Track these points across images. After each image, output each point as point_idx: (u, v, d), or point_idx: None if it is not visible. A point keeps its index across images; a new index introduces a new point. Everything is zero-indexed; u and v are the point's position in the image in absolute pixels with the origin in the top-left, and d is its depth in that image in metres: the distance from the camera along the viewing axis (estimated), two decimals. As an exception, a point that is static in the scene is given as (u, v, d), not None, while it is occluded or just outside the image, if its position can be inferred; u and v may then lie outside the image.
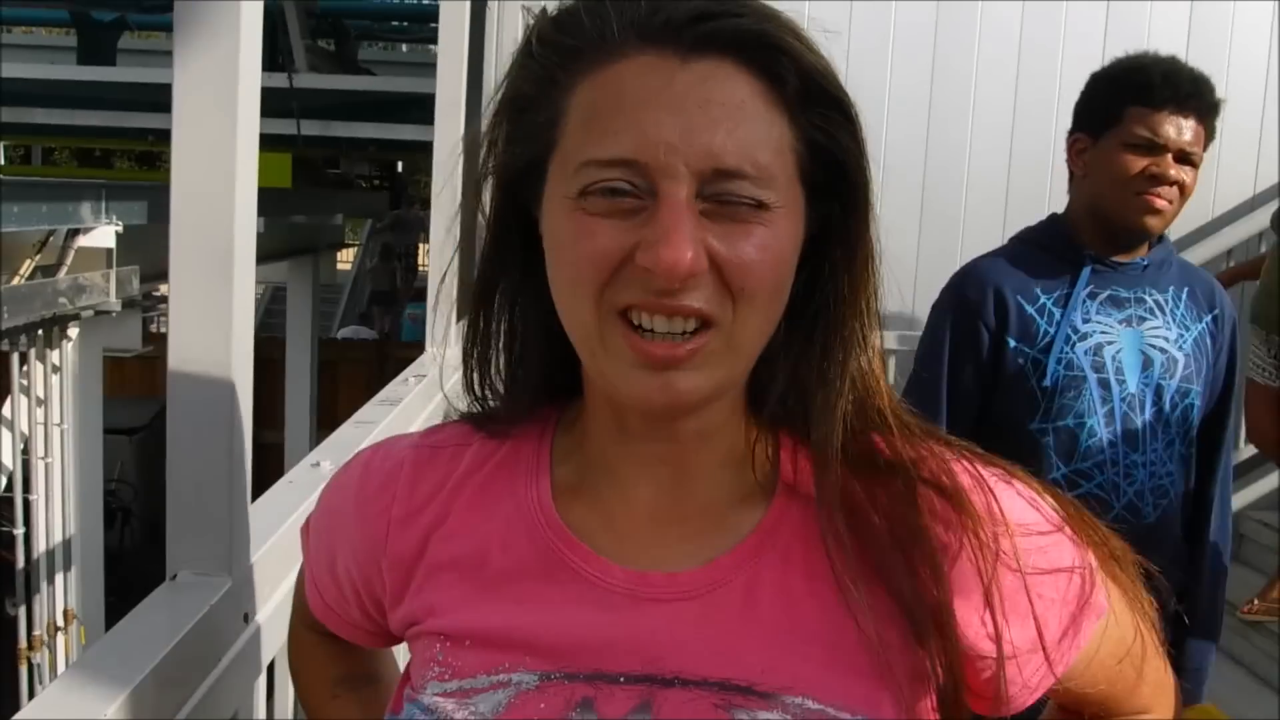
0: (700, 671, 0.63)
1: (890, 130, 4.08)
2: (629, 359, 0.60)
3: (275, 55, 8.60)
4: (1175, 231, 4.14)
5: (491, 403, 0.74)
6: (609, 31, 0.60)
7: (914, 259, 3.94)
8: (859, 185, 0.64)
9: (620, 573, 0.65)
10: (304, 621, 0.89)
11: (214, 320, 0.97)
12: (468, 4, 2.49)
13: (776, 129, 0.60)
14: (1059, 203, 4.34)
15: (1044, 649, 0.66)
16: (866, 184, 0.64)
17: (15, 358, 4.40)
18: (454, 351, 2.44)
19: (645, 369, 0.60)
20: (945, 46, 4.13)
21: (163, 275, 4.52)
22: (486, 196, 0.69)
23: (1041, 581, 0.65)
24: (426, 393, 2.03)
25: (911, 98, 4.15)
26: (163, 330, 7.10)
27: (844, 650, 0.63)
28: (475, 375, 0.73)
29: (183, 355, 0.97)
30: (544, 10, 0.66)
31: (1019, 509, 0.67)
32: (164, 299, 5.59)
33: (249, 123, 0.94)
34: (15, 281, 4.16)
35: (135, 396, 7.50)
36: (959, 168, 4.17)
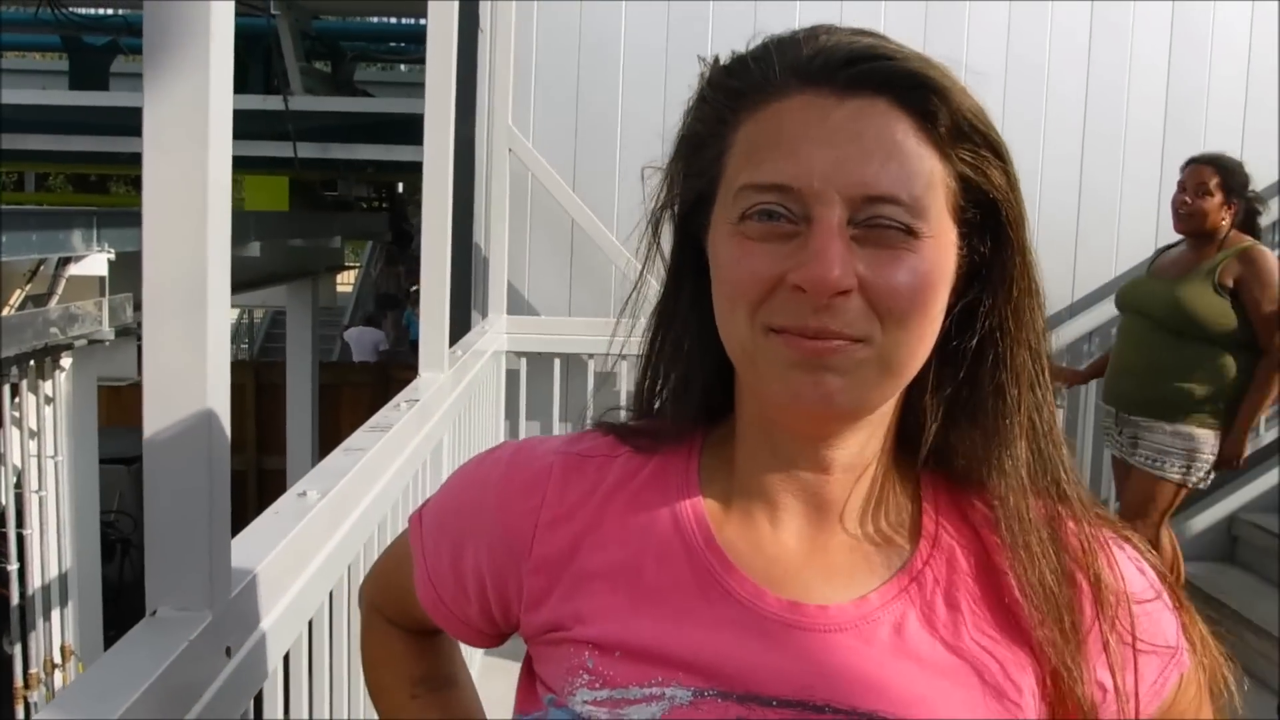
0: (850, 701, 0.65)
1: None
2: (783, 358, 0.63)
3: (270, 78, 8.65)
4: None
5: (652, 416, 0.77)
6: (771, 74, 0.65)
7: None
8: (1011, 221, 0.67)
9: (774, 600, 0.67)
10: (386, 615, 0.89)
11: (189, 350, 0.94)
12: (455, 25, 2.48)
13: (928, 164, 0.63)
14: (1049, 215, 4.31)
15: (1136, 698, 0.70)
16: (1020, 220, 0.67)
17: (6, 389, 4.37)
18: (448, 376, 2.41)
19: (799, 368, 0.62)
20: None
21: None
22: (664, 233, 0.74)
23: (1145, 643, 0.70)
24: (420, 418, 1.99)
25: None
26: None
27: (986, 691, 0.66)
28: (647, 393, 0.76)
29: (157, 386, 0.94)
30: (716, 58, 0.70)
31: (1131, 574, 0.71)
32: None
33: (220, 151, 0.92)
34: (5, 312, 4.14)
35: (132, 425, 7.47)
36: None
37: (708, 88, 0.69)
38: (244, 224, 7.19)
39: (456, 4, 2.52)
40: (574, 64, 4.07)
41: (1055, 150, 4.09)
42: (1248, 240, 3.13)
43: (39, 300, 4.40)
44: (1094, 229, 4.13)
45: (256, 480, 10.56)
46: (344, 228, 10.76)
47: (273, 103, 8.14)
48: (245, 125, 8.51)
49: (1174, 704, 0.73)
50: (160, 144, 0.90)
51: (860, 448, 0.68)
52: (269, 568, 1.12)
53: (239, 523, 1.05)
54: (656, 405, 0.76)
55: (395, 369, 10.26)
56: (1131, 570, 0.71)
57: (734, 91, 0.67)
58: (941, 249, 0.64)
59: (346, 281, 15.42)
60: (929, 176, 0.63)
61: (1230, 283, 3.03)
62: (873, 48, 0.64)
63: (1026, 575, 0.67)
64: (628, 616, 0.68)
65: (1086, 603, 0.68)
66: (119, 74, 9.55)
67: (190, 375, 0.94)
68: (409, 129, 7.22)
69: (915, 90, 0.63)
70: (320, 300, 9.72)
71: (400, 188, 13.25)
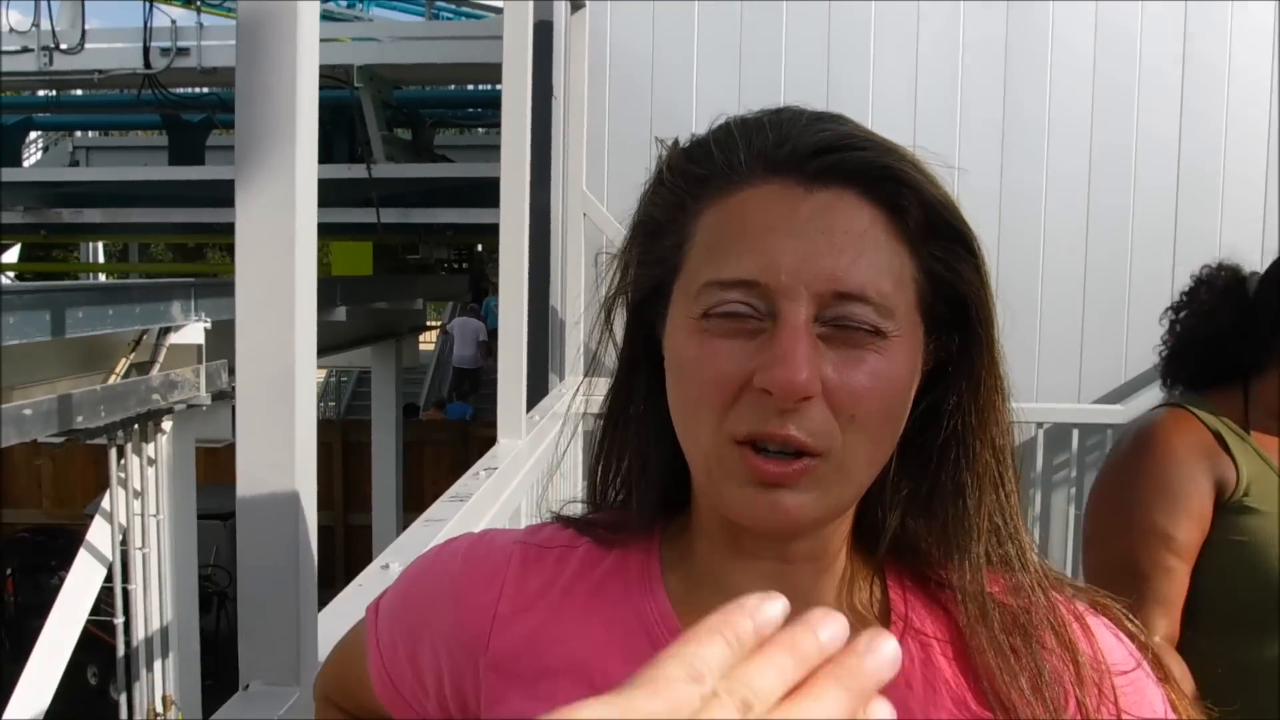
0: None
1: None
2: (743, 476, 0.60)
3: (354, 147, 8.97)
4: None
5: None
6: (736, 161, 0.62)
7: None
8: (981, 319, 0.64)
9: None
10: (340, 707, 0.86)
11: (279, 435, 1.00)
12: (529, 94, 2.58)
13: (898, 259, 0.61)
14: (1141, 255, 4.06)
15: None
16: (989, 317, 0.64)
17: (113, 452, 4.59)
18: (525, 442, 2.47)
19: (757, 486, 0.60)
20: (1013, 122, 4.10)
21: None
22: (617, 318, 0.71)
23: (1130, 715, 0.66)
24: (498, 485, 2.05)
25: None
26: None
27: None
28: (601, 483, 0.74)
29: (250, 472, 1.01)
30: (675, 141, 0.67)
31: (1109, 644, 0.68)
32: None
33: (307, 260, 0.99)
34: (112, 380, 4.35)
35: (227, 483, 7.71)
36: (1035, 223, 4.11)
37: (666, 172, 0.66)
38: (331, 289, 7.43)
39: (530, 74, 2.62)
40: (646, 127, 4.14)
41: (1147, 205, 4.00)
42: None
43: (142, 368, 4.61)
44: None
45: (344, 536, 10.79)
46: (425, 289, 11.03)
47: (357, 171, 8.44)
48: (331, 194, 8.83)
49: None
50: (252, 253, 0.98)
51: (825, 541, 0.66)
52: (353, 641, 1.17)
53: (326, 576, 1.09)
54: (610, 495, 0.73)
55: (475, 427, 10.44)
56: (1109, 639, 0.68)
57: (695, 178, 0.64)
58: (908, 348, 0.62)
59: (428, 341, 15.79)
60: (899, 272, 0.61)
61: None
62: (842, 137, 0.61)
63: (998, 657, 0.65)
64: None
65: (1066, 679, 0.65)
66: (213, 147, 10.01)
67: (279, 459, 1.00)
68: (486, 192, 7.41)
69: (885, 183, 0.60)
70: (404, 360, 9.94)
71: (479, 248, 13.56)
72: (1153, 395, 3.72)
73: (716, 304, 0.60)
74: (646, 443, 0.71)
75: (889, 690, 0.64)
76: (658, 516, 0.72)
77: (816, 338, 0.59)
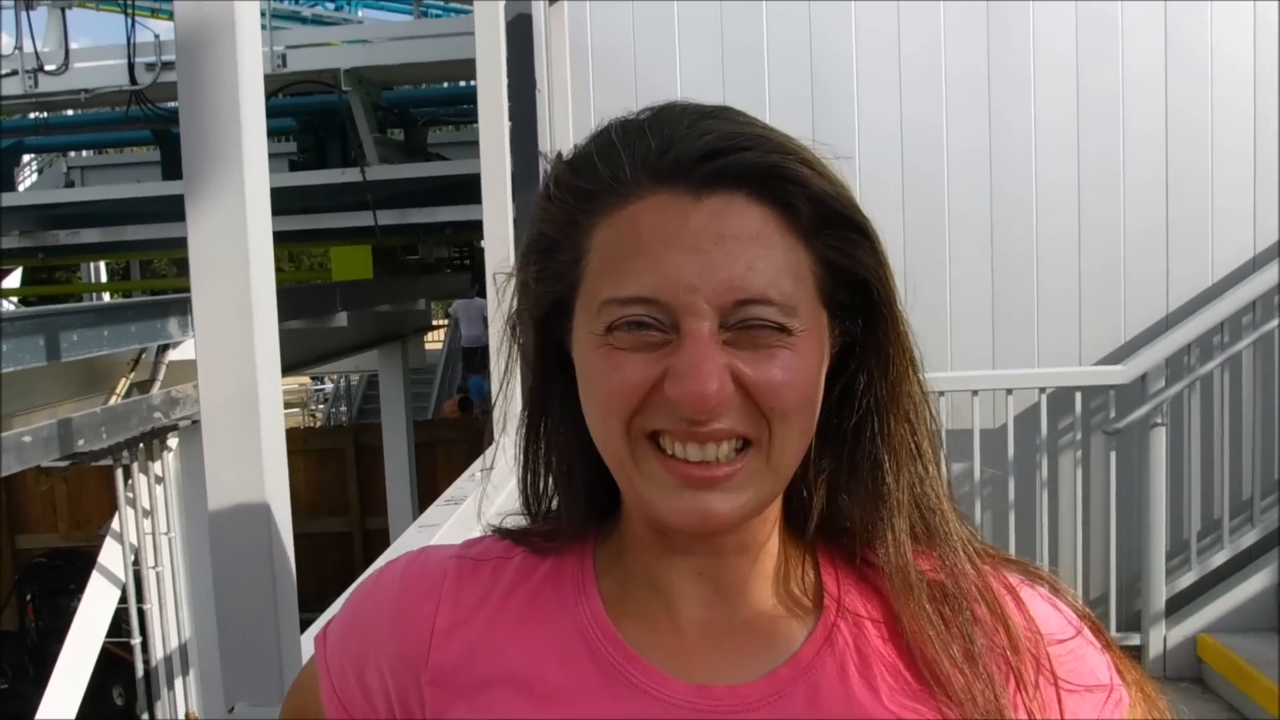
0: None
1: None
2: (665, 481, 0.61)
3: (347, 151, 8.95)
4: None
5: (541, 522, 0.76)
6: (622, 174, 0.62)
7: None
8: (883, 299, 0.65)
9: (681, 687, 0.66)
10: None
11: (246, 454, 1.00)
12: (504, 87, 2.56)
13: (794, 255, 0.62)
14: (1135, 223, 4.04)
15: None
16: (890, 296, 0.65)
17: (119, 473, 4.60)
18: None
19: (681, 489, 0.61)
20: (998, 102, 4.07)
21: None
22: (525, 334, 0.72)
23: (1072, 684, 0.67)
24: (493, 486, 2.04)
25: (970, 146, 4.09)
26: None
27: None
28: (532, 501, 0.75)
29: (219, 493, 1.00)
30: (559, 155, 0.67)
31: (1044, 613, 0.69)
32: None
33: (263, 272, 0.98)
34: (113, 401, 4.35)
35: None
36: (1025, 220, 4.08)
37: (554, 187, 0.66)
38: (330, 295, 7.43)
39: (504, 68, 2.60)
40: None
41: (1138, 156, 3.97)
42: None
43: (143, 387, 4.61)
44: (1185, 233, 3.96)
45: (362, 541, 10.83)
46: (427, 289, 11.01)
47: (351, 175, 8.42)
48: (327, 199, 8.80)
49: None
50: (205, 270, 0.97)
51: (753, 531, 0.67)
52: (342, 656, 1.16)
53: (347, 584, 1.08)
54: (543, 504, 0.74)
55: (487, 423, 10.45)
56: (1044, 609, 0.69)
57: (583, 193, 0.64)
58: (815, 340, 0.63)
59: (435, 340, 15.80)
60: (796, 268, 0.61)
61: None
62: (726, 138, 0.61)
63: (928, 629, 0.65)
64: None
65: (1000, 650, 0.66)
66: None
67: (249, 477, 0.99)
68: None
69: (773, 182, 0.61)
70: (410, 361, 9.95)
71: (481, 244, 13.58)
72: (1153, 353, 3.70)
73: (618, 319, 0.61)
74: (568, 451, 0.72)
75: (826, 672, 0.65)
76: (590, 522, 0.73)
77: (723, 344, 0.60)
